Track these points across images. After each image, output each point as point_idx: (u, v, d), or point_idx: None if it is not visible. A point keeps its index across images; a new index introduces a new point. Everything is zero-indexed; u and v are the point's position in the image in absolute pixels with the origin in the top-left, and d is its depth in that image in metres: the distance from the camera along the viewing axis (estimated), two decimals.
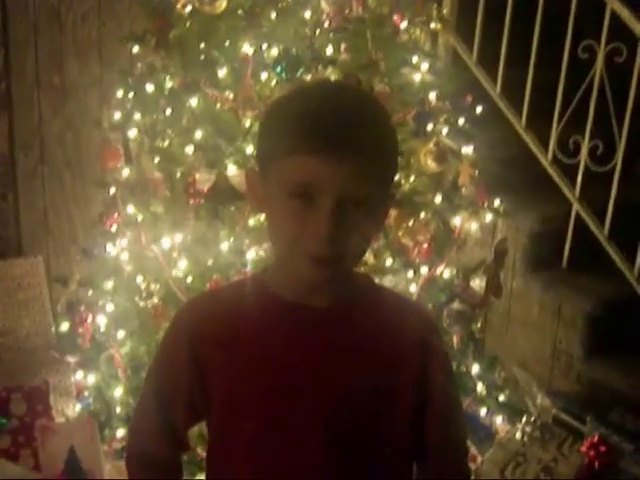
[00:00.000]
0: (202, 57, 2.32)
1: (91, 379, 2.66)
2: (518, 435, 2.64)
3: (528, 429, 2.65)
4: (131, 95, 2.49)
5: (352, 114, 1.11)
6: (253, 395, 1.21)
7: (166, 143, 2.37)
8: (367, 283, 1.30)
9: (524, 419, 2.69)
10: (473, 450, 2.63)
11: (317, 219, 1.10)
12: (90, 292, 2.67)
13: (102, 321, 2.59)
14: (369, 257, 2.34)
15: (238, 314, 1.23)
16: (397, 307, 1.30)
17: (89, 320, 2.66)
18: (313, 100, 1.13)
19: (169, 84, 2.38)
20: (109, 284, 2.57)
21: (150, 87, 2.41)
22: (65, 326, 2.77)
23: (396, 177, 1.24)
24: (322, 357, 1.20)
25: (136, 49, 2.51)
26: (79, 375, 2.73)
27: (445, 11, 2.91)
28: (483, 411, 2.68)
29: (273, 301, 1.22)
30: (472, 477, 2.48)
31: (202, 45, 2.32)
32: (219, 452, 1.28)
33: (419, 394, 1.25)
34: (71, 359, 2.76)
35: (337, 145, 1.08)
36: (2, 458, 2.30)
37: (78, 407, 2.74)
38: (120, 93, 2.54)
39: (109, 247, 2.57)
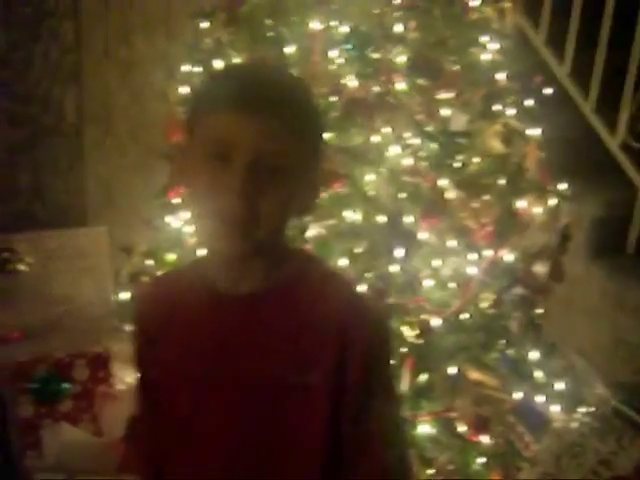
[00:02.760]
0: (270, 33, 2.32)
1: None
2: (575, 425, 2.60)
3: (586, 420, 2.60)
4: (198, 70, 2.50)
5: (270, 81, 1.20)
6: (181, 384, 1.24)
7: None
8: (300, 265, 1.26)
9: (582, 409, 2.64)
10: (527, 438, 2.60)
11: (231, 176, 1.13)
12: (152, 263, 2.71)
13: None
14: (430, 237, 2.32)
15: (174, 303, 1.27)
16: (323, 292, 1.24)
17: None
18: (236, 70, 1.33)
19: (236, 60, 2.38)
20: (171, 256, 2.60)
21: (218, 63, 2.41)
22: (126, 295, 2.82)
23: (320, 154, 1.24)
24: (240, 347, 1.22)
25: (205, 25, 2.52)
26: None
27: None
28: (540, 399, 2.64)
29: (204, 289, 1.24)
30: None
31: (270, 21, 2.32)
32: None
33: (336, 386, 1.20)
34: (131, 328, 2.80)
35: (252, 103, 1.13)
36: (64, 422, 2.36)
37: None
38: (186, 68, 2.56)
39: (171, 219, 2.60)
